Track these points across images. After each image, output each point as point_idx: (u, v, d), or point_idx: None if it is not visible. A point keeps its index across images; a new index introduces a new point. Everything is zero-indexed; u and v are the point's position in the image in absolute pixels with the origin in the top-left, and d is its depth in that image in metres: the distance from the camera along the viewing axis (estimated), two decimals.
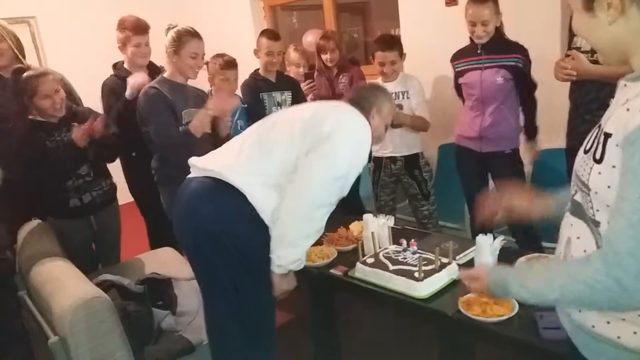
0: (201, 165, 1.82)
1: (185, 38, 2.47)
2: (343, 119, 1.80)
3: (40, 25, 4.69)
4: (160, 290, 2.18)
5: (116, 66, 3.00)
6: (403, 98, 2.92)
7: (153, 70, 3.00)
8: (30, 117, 2.51)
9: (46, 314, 1.88)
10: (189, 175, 1.86)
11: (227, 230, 1.70)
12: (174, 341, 1.93)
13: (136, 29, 2.89)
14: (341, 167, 1.73)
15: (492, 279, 1.14)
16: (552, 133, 2.71)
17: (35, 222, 2.58)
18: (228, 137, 2.47)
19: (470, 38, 2.57)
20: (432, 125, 3.38)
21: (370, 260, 2.13)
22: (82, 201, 2.62)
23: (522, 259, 1.99)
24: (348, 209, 3.27)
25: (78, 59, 4.13)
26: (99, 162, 2.69)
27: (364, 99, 1.90)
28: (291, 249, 1.74)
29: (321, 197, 1.73)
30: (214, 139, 2.56)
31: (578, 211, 1.01)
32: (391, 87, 2.92)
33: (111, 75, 2.95)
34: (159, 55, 2.77)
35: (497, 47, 2.51)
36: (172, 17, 5.03)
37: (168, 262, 2.67)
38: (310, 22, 4.94)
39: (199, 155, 1.93)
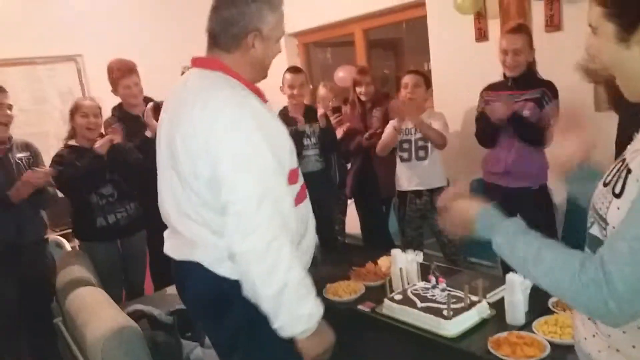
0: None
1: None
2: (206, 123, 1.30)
3: (87, 62, 4.95)
4: (189, 321, 2.20)
5: (115, 108, 3.10)
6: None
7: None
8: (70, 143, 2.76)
9: (80, 342, 1.93)
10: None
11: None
12: None
13: (122, 70, 2.99)
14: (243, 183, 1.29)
15: (481, 219, 1.07)
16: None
17: (70, 249, 2.68)
18: None
19: (504, 74, 2.58)
20: (460, 160, 3.38)
21: (399, 297, 2.12)
22: (107, 221, 2.72)
23: (553, 299, 1.94)
24: (376, 243, 3.29)
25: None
26: (122, 183, 2.79)
27: (226, 29, 1.37)
28: (280, 307, 1.28)
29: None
30: None
31: (593, 244, 0.98)
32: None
33: (111, 117, 3.03)
34: None
35: (526, 82, 2.52)
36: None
37: None
38: (342, 58, 5.04)
39: None
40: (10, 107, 2.37)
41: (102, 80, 4.91)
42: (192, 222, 1.38)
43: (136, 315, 1.94)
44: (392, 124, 3.01)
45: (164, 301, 2.35)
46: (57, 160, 2.66)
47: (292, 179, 1.41)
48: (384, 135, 3.04)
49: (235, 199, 1.26)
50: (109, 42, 4.81)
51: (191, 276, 1.42)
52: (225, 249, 1.30)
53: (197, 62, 1.45)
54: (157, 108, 2.70)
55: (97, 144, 2.66)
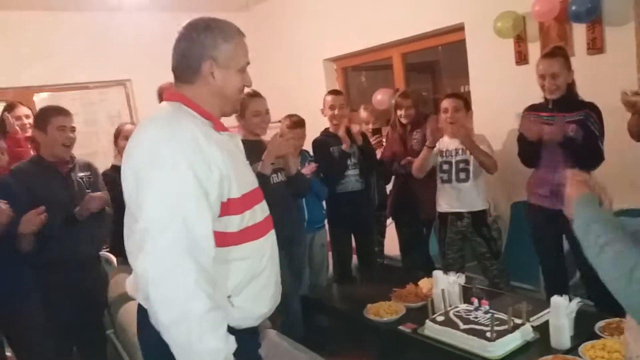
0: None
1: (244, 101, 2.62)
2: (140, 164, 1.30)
3: (135, 87, 5.20)
4: None
5: None
6: (467, 154, 2.95)
7: None
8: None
9: (130, 352, 2.01)
10: None
11: None
12: None
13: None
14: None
15: (577, 201, 1.15)
16: (634, 192, 2.62)
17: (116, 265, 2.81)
18: (298, 173, 2.73)
19: (544, 96, 2.59)
20: (502, 182, 3.37)
21: (441, 319, 2.13)
22: None
23: (600, 324, 1.91)
24: (416, 265, 3.29)
25: None
26: None
27: (183, 62, 1.40)
28: (176, 338, 1.23)
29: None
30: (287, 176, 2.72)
31: None
32: (456, 143, 2.98)
33: None
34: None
35: (568, 105, 2.52)
36: (253, 80, 5.43)
37: None
38: (380, 81, 5.11)
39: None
40: (73, 129, 2.53)
41: (149, 103, 5.14)
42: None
43: None
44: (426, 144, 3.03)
45: None
46: (108, 180, 2.78)
47: (234, 209, 1.34)
48: (419, 156, 3.06)
49: (142, 217, 1.24)
50: (156, 67, 5.04)
51: (142, 322, 1.35)
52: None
53: (164, 97, 1.47)
54: None
55: None
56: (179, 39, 1.42)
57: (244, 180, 1.39)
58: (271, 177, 2.60)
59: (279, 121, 3.28)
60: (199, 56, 1.37)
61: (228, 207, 1.32)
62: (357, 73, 5.49)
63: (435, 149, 3.01)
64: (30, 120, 3.30)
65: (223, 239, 1.32)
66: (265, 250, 1.43)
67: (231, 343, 1.26)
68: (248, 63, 1.47)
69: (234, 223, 1.34)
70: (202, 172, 1.26)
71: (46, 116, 2.47)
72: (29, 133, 3.23)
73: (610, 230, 1.04)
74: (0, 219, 2.15)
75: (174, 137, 1.27)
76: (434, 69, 5.47)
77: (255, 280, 1.39)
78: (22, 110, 3.33)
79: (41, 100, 4.70)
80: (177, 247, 1.21)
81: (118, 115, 5.23)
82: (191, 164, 1.24)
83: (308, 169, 3.00)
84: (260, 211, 1.44)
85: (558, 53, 2.52)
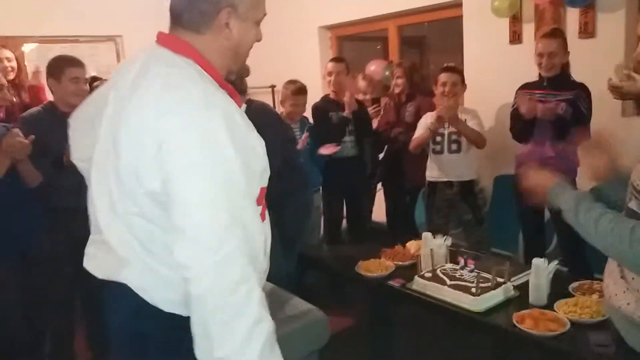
0: None
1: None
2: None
3: (126, 43, 5.15)
4: None
5: None
6: None
7: None
8: None
9: None
10: None
11: None
12: None
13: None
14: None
15: (554, 189, 1.34)
16: None
17: None
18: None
19: (539, 74, 2.74)
20: (489, 156, 3.53)
21: (429, 275, 2.29)
22: None
23: (574, 284, 2.11)
24: (401, 230, 3.46)
25: None
26: None
27: (193, 3, 1.13)
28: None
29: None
30: None
31: (632, 217, 1.17)
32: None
33: None
34: None
35: (561, 84, 2.68)
36: None
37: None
38: (371, 53, 5.19)
39: None
40: (86, 81, 2.54)
41: None
42: (126, 233, 1.10)
43: None
44: (425, 122, 3.13)
45: None
46: None
47: (260, 199, 1.15)
48: (418, 134, 3.17)
49: (192, 226, 0.99)
50: (148, 24, 5.00)
51: (116, 301, 1.16)
52: (164, 273, 1.07)
53: (162, 40, 1.16)
54: None
55: None
56: None
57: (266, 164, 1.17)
58: None
59: (272, 86, 3.34)
60: (217, 1, 1.12)
61: (260, 197, 1.14)
62: (353, 44, 5.54)
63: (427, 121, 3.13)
64: (13, 64, 3.42)
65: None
66: (267, 232, 1.22)
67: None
68: (265, 14, 1.25)
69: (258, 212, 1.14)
70: (251, 162, 1.07)
71: (60, 66, 2.48)
72: (11, 77, 3.28)
73: (596, 206, 1.22)
74: (16, 148, 2.20)
75: (215, 112, 1.02)
76: (422, 44, 5.56)
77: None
78: (4, 53, 3.35)
79: (30, 51, 4.65)
80: (242, 257, 1.00)
81: (108, 72, 5.19)
82: (239, 151, 1.02)
83: (301, 143, 3.10)
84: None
85: (557, 34, 2.67)
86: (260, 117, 2.64)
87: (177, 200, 1.00)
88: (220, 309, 0.98)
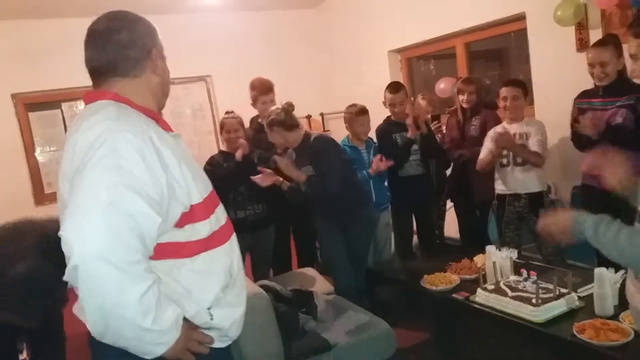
0: None
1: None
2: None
3: (215, 81, 5.66)
4: (304, 300, 2.58)
5: (252, 121, 3.59)
6: (523, 139, 3.06)
7: None
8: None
9: None
10: None
11: None
12: (315, 340, 2.30)
13: (260, 89, 3.45)
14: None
15: (574, 224, 1.37)
16: None
17: None
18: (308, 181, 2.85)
19: (594, 83, 2.68)
20: (565, 167, 3.45)
21: (491, 287, 2.33)
22: (236, 215, 3.18)
23: None
24: (475, 244, 3.45)
25: (242, 110, 4.83)
26: (254, 184, 3.13)
27: (125, 52, 1.25)
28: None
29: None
30: None
31: None
32: (514, 128, 3.09)
33: (247, 128, 3.52)
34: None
35: (618, 89, 2.60)
36: (321, 72, 5.72)
37: (310, 279, 3.10)
38: (445, 69, 5.24)
39: None
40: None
41: (227, 96, 5.59)
42: None
43: (264, 288, 2.35)
44: (489, 145, 3.12)
45: (283, 282, 2.75)
46: (209, 161, 3.24)
47: (199, 215, 1.24)
48: (483, 154, 3.18)
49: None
50: (233, 63, 5.49)
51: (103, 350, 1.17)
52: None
53: (86, 98, 1.30)
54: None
55: (238, 154, 3.16)
56: (108, 30, 1.25)
57: (202, 183, 1.30)
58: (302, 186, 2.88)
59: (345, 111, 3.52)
60: (143, 45, 1.27)
61: (193, 214, 1.22)
62: (424, 61, 5.62)
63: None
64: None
65: (191, 248, 1.22)
66: (233, 254, 1.34)
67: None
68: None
69: (204, 229, 1.24)
70: (157, 174, 1.14)
71: None
72: None
73: (614, 224, 1.30)
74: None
75: (130, 130, 1.15)
76: (501, 56, 5.50)
77: (230, 287, 1.30)
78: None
79: None
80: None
81: (200, 109, 5.74)
82: (145, 161, 1.13)
83: (381, 165, 3.25)
84: (222, 212, 1.36)
85: (609, 41, 2.60)
86: (321, 145, 2.89)
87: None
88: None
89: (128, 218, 1.08)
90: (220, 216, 1.32)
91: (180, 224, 1.20)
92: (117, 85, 1.26)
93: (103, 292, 1.05)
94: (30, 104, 4.97)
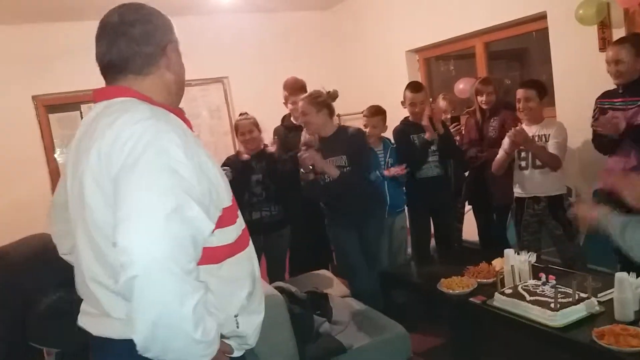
0: None
1: None
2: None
3: (232, 83, 5.69)
4: (319, 302, 2.58)
5: (284, 118, 3.60)
6: (542, 141, 3.01)
7: None
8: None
9: None
10: None
11: None
12: (329, 342, 2.30)
13: (292, 89, 3.46)
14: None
15: (601, 222, 1.48)
16: None
17: None
18: (341, 174, 2.85)
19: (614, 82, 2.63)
20: (586, 169, 3.38)
21: (509, 291, 2.29)
22: (251, 216, 3.19)
23: None
24: (494, 247, 3.40)
25: (258, 111, 4.87)
26: (270, 186, 3.22)
27: (139, 50, 1.18)
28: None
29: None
30: None
31: None
32: (533, 129, 3.04)
33: (280, 125, 3.54)
34: None
35: (638, 88, 2.54)
36: (337, 73, 5.72)
37: (325, 282, 3.09)
38: (464, 69, 5.18)
39: None
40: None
41: (244, 97, 5.63)
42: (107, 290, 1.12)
43: (278, 290, 2.35)
44: (504, 146, 3.09)
45: (298, 284, 2.75)
46: (225, 161, 3.28)
47: (228, 218, 1.19)
48: (497, 157, 3.15)
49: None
50: (248, 64, 5.52)
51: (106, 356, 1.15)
52: None
53: (100, 95, 1.22)
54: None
55: (245, 154, 3.20)
56: (121, 23, 1.18)
57: (227, 183, 1.24)
58: (321, 179, 2.88)
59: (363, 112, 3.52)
60: (160, 40, 1.20)
61: (224, 218, 1.16)
62: (444, 62, 5.57)
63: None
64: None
65: (220, 254, 1.17)
66: (254, 258, 1.30)
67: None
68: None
69: (232, 233, 1.20)
70: (200, 176, 1.09)
71: None
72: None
73: (638, 227, 1.37)
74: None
75: (172, 130, 1.09)
76: (522, 56, 5.42)
77: (254, 294, 1.25)
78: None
79: None
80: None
81: (217, 110, 5.77)
82: (191, 163, 1.08)
83: (393, 171, 3.23)
84: (240, 216, 1.28)
85: (627, 40, 2.56)
86: (363, 138, 2.96)
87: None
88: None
89: (188, 225, 1.02)
90: (241, 219, 1.27)
91: (215, 227, 1.13)
92: (129, 83, 1.19)
93: (163, 303, 0.97)
94: (51, 106, 5.06)
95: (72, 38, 4.78)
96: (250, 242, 1.30)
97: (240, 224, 1.25)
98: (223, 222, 1.16)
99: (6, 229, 2.58)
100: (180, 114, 1.22)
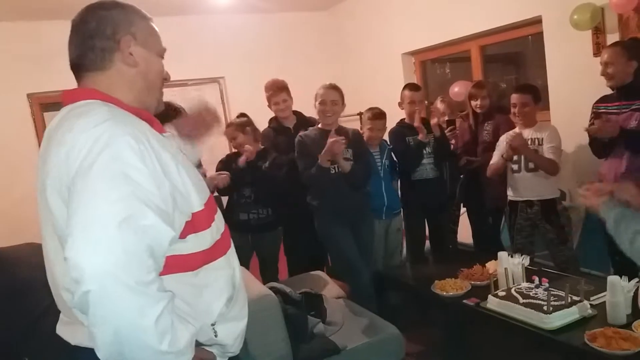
0: None
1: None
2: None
3: (228, 83, 5.68)
4: (313, 303, 2.58)
5: (271, 121, 3.60)
6: (536, 145, 3.02)
7: (300, 119, 3.53)
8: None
9: None
10: None
11: None
12: (323, 343, 2.30)
13: (275, 88, 3.47)
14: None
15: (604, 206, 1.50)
16: None
17: None
18: (352, 169, 2.90)
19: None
20: (579, 173, 3.40)
21: (502, 294, 2.31)
22: (239, 217, 3.21)
23: None
24: (488, 250, 3.42)
25: (254, 112, 4.86)
26: (260, 188, 3.21)
27: (92, 46, 1.16)
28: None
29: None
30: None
31: None
32: (527, 133, 3.06)
33: (268, 128, 3.54)
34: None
35: (633, 92, 2.58)
36: (334, 74, 5.73)
37: (320, 283, 3.10)
38: (460, 72, 5.19)
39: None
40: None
41: (240, 98, 5.62)
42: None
43: (273, 290, 2.35)
44: (502, 145, 3.11)
45: (292, 285, 2.75)
46: (221, 160, 3.29)
47: (200, 223, 1.14)
48: (494, 160, 3.16)
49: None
50: (247, 65, 5.51)
51: None
52: None
53: (67, 98, 1.19)
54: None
55: (241, 160, 3.19)
56: (81, 21, 1.17)
57: (201, 187, 1.19)
58: (331, 168, 2.88)
59: (359, 113, 3.52)
60: (113, 32, 1.15)
61: (195, 223, 1.13)
62: (440, 65, 5.59)
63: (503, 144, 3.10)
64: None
65: (194, 261, 1.13)
66: (235, 262, 1.26)
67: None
68: (165, 50, 1.27)
69: (206, 239, 1.16)
70: (160, 181, 1.05)
71: None
72: None
73: (631, 223, 1.39)
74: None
75: (130, 133, 1.04)
76: (517, 60, 5.45)
77: (234, 300, 1.22)
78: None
79: None
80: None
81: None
82: (149, 168, 1.03)
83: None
84: (220, 219, 1.25)
85: (620, 44, 2.59)
86: (363, 140, 3.01)
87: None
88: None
89: (143, 234, 0.98)
90: (219, 223, 1.23)
91: (183, 234, 1.10)
92: (90, 81, 1.17)
93: (120, 317, 0.95)
94: (46, 104, 5.03)
95: (67, 36, 4.75)
96: (232, 246, 1.27)
97: (217, 228, 1.20)
98: (194, 227, 1.13)
99: None
100: (147, 116, 1.18)
